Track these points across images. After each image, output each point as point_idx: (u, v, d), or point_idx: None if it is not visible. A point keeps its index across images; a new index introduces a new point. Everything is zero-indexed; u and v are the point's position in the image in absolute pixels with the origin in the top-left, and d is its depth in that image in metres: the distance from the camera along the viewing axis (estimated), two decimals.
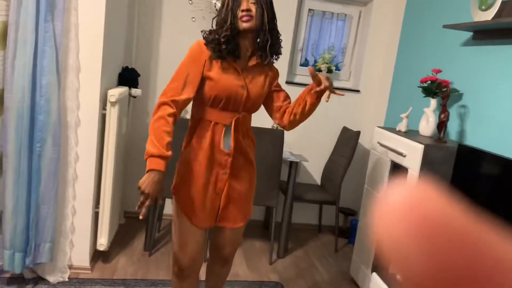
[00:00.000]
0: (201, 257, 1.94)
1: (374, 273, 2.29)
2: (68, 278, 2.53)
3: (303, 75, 3.84)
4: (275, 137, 2.97)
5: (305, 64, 3.88)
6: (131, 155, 3.51)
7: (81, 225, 2.58)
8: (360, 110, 3.83)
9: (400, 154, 2.45)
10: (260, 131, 2.97)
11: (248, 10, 1.70)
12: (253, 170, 1.92)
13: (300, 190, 3.43)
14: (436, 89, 2.53)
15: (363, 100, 3.82)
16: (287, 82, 3.71)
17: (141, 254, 3.00)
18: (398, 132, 2.66)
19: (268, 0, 1.76)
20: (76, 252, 2.60)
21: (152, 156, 1.62)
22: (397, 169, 2.55)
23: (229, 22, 1.70)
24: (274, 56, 1.84)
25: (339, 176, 3.42)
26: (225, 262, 2.05)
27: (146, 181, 1.60)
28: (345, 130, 3.70)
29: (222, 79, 1.73)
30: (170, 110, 1.68)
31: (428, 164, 2.28)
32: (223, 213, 1.87)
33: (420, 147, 2.29)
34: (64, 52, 2.29)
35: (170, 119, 1.67)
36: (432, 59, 2.97)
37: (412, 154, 2.35)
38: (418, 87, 2.65)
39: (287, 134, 3.60)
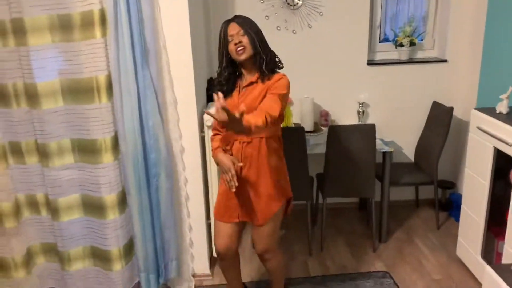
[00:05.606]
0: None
1: (489, 267, 2.28)
2: (194, 286, 2.84)
3: (385, 51, 3.71)
4: (366, 132, 2.96)
5: (384, 40, 3.73)
6: None
7: (197, 239, 2.84)
8: (449, 81, 3.64)
9: (506, 143, 2.35)
10: (350, 128, 2.98)
11: (240, 42, 1.95)
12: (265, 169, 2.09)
13: (395, 173, 3.40)
14: None
15: (451, 70, 3.62)
16: (369, 63, 3.61)
17: (252, 253, 3.20)
18: (499, 115, 2.53)
19: (254, 26, 2.00)
20: (197, 263, 2.88)
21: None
22: (501, 156, 2.45)
23: (224, 62, 2.04)
24: (276, 70, 2.05)
25: (435, 156, 3.34)
26: (261, 259, 2.30)
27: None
28: (435, 105, 3.56)
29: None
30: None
31: None
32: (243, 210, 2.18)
33: None
34: (162, 91, 2.45)
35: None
36: None
37: None
38: None
39: (376, 120, 3.56)
